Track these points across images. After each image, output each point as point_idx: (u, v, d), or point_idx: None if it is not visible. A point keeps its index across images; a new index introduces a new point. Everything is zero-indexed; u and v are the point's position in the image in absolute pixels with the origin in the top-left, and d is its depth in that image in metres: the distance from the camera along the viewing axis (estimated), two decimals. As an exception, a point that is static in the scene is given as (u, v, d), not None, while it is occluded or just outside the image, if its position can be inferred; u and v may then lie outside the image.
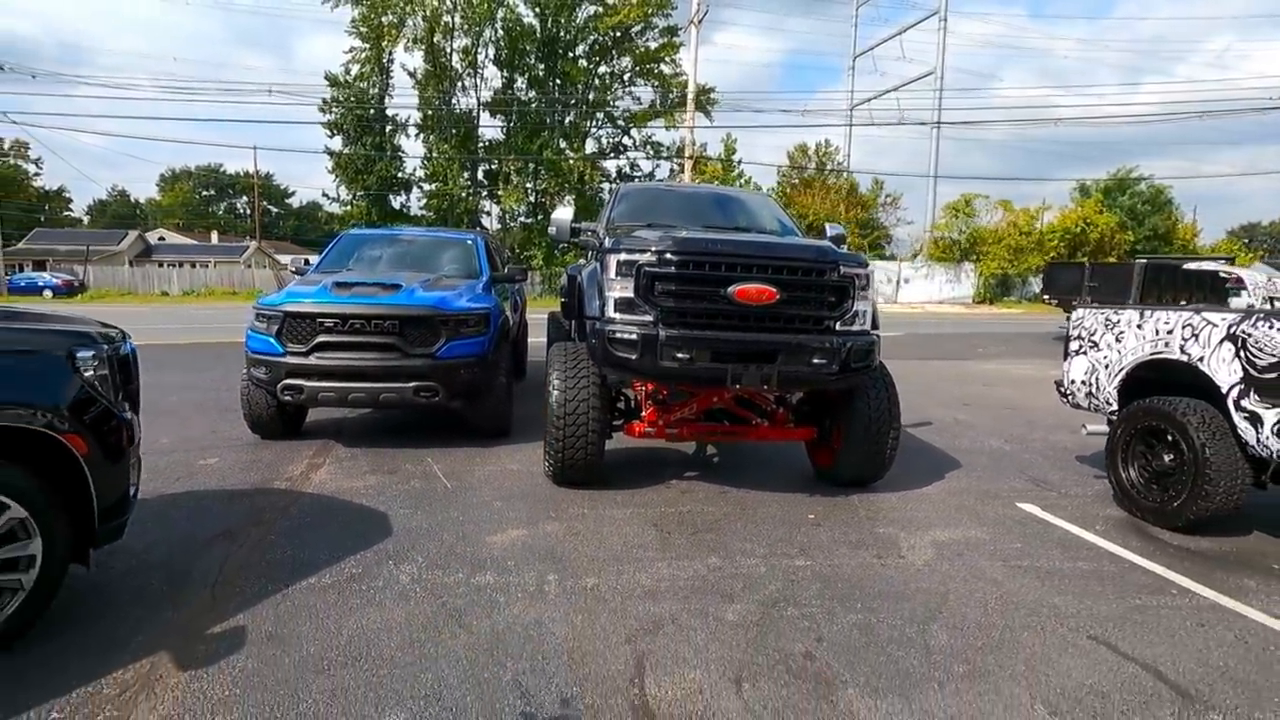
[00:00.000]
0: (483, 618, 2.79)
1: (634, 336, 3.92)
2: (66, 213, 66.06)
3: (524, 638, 2.64)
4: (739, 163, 36.58)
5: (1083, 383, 4.93)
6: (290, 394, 5.05)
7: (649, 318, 3.95)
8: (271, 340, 5.07)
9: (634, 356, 3.92)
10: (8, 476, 2.36)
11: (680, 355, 3.87)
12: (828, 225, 5.69)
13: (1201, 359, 4.00)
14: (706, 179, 32.64)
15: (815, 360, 3.98)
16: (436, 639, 2.62)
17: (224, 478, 4.59)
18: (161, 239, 54.19)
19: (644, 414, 4.72)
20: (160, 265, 41.97)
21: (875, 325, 4.39)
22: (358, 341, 5.08)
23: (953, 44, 48.75)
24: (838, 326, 4.11)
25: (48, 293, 32.93)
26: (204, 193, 75.35)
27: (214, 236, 58.54)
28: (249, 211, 65.61)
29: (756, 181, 37.35)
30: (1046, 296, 18.59)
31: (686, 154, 30.36)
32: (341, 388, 5.06)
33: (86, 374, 2.62)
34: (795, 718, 2.21)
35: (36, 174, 59.43)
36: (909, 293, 36.65)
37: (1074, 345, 5.05)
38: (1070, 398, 5.08)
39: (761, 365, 3.92)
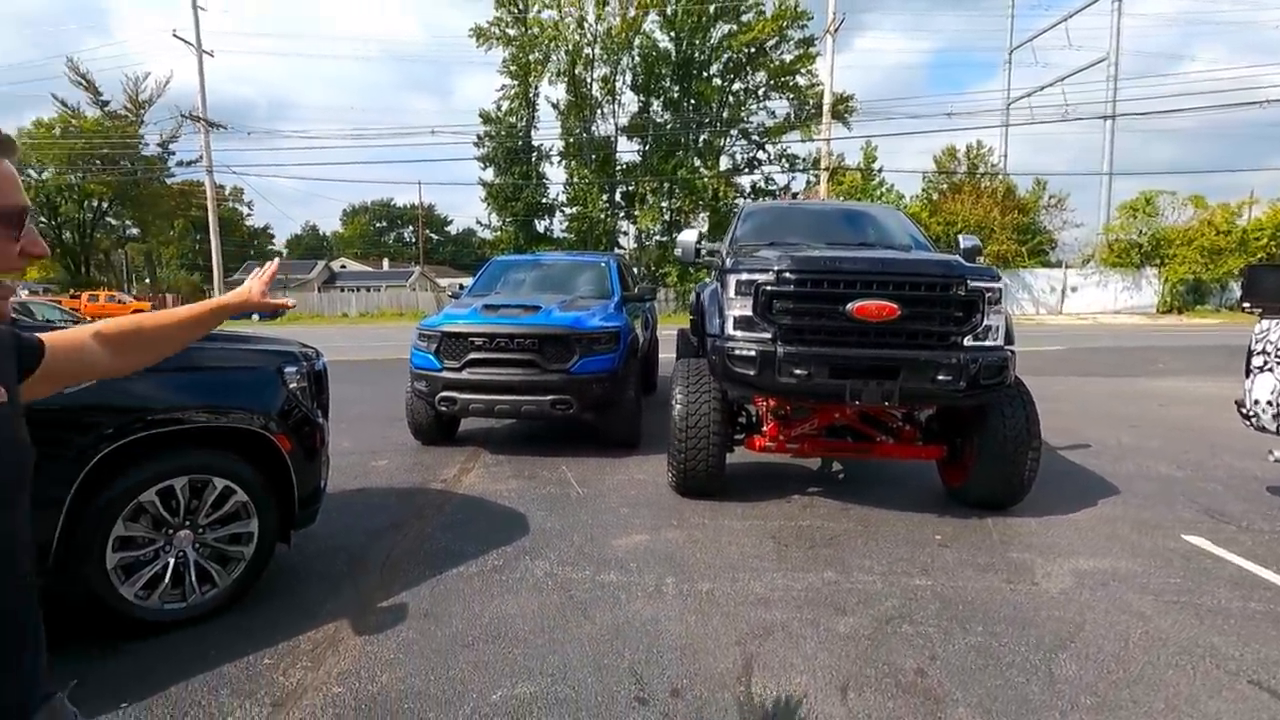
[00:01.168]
0: (605, 611, 3.05)
1: (753, 353, 4.05)
2: (270, 247, 76.57)
3: (641, 632, 2.86)
4: (879, 171, 35.23)
5: (1269, 403, 4.38)
6: (446, 405, 5.69)
7: (767, 335, 4.07)
8: (431, 357, 5.75)
9: (753, 372, 4.05)
10: (237, 468, 2.96)
11: (798, 371, 3.95)
12: (961, 237, 5.49)
13: None
14: (844, 190, 31.75)
15: (940, 377, 3.90)
16: (564, 626, 2.91)
17: (391, 478, 5.25)
18: (343, 267, 61.27)
19: (765, 429, 4.81)
20: (341, 290, 47.48)
21: (1010, 340, 4.21)
22: (503, 358, 5.62)
23: (1129, 25, 43.86)
24: (966, 342, 4.00)
25: (255, 316, 38.29)
26: (377, 224, 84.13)
27: (385, 263, 65.27)
28: (414, 240, 72.46)
29: (899, 190, 35.71)
30: (1247, 304, 16.17)
31: (822, 165, 29.73)
32: (489, 400, 5.62)
33: (291, 386, 3.21)
34: (900, 729, 2.25)
35: (248, 215, 69.49)
36: (1077, 302, 33.24)
37: (1258, 361, 4.51)
38: (1253, 420, 4.53)
39: (882, 381, 3.90)
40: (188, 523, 2.88)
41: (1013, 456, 4.21)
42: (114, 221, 49.00)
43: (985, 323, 4.02)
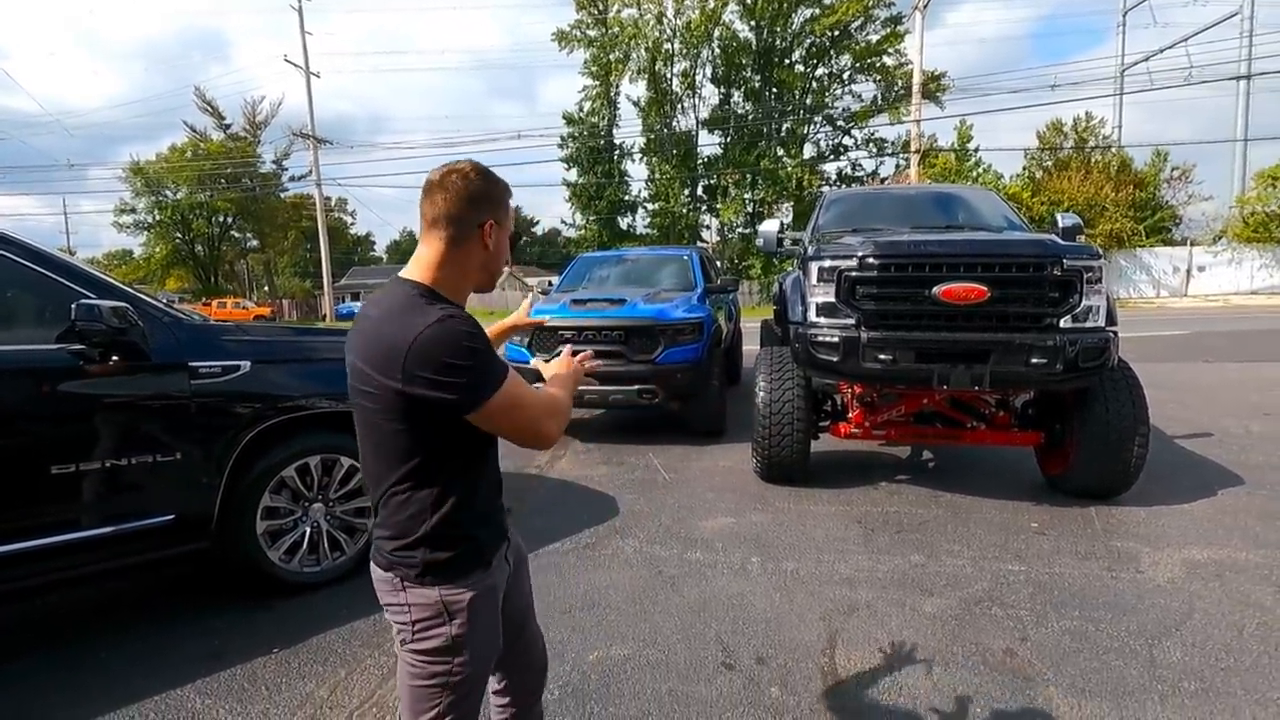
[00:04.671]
0: (692, 586, 3.20)
1: (836, 339, 4.07)
2: (371, 253, 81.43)
3: (727, 605, 2.99)
4: (975, 151, 33.41)
5: None
6: (538, 395, 5.99)
7: (851, 321, 4.08)
8: (524, 350, 6.07)
9: (836, 359, 4.08)
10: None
11: (883, 357, 3.94)
12: (1060, 216, 5.24)
13: None
14: (937, 173, 30.38)
15: (1035, 360, 3.79)
16: (653, 598, 3.08)
17: (490, 463, 5.59)
18: (437, 269, 64.19)
19: (850, 415, 4.81)
20: (437, 292, 49.75)
21: (1112, 321, 4.03)
22: (591, 350, 5.85)
23: (1267, -26, 39.29)
24: (1063, 323, 3.87)
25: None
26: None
27: (476, 265, 67.79)
28: (503, 241, 75.13)
29: (997, 170, 33.73)
30: None
31: (912, 148, 28.56)
32: (578, 390, 5.87)
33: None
34: (985, 704, 2.27)
35: (352, 224, 74.14)
36: (1205, 283, 30.36)
37: None
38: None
39: (971, 365, 3.84)
40: (320, 497, 3.25)
41: (1118, 443, 4.03)
42: (237, 235, 53.48)
43: (1084, 303, 3.87)
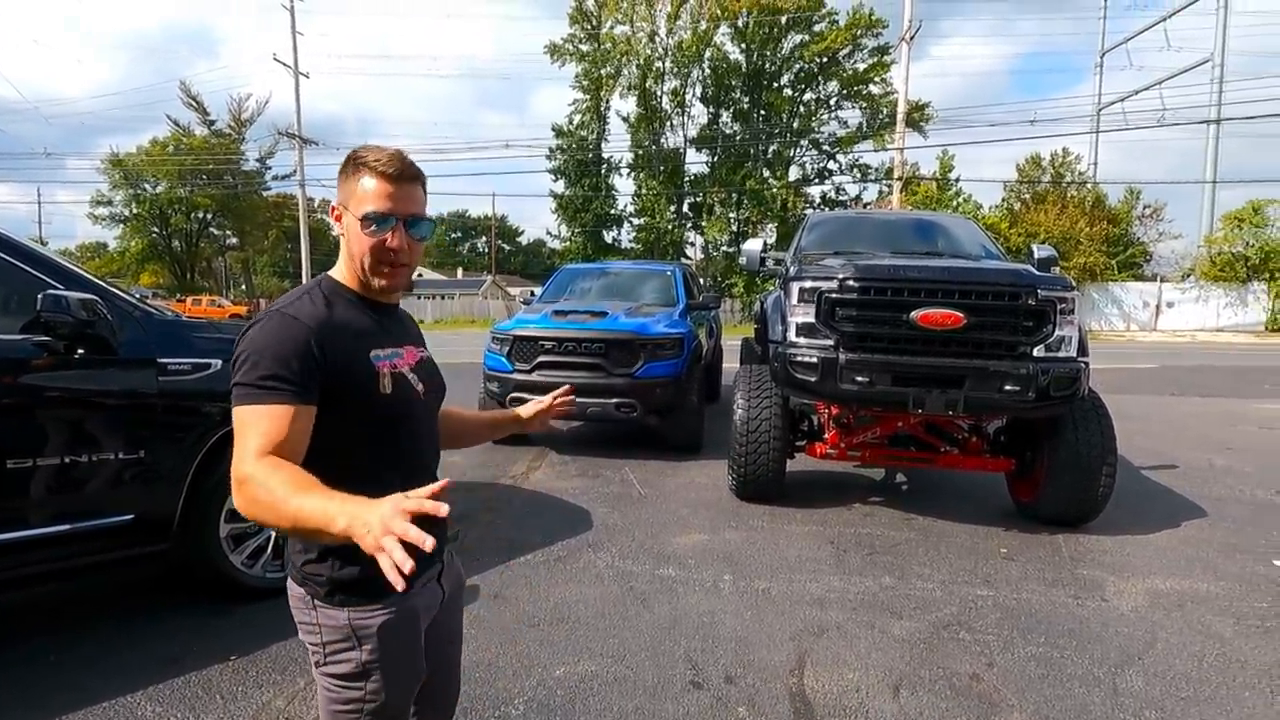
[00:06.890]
0: (663, 602, 3.17)
1: (814, 360, 4.10)
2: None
3: (697, 623, 2.97)
4: (956, 181, 34.05)
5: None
6: (516, 405, 5.95)
7: (829, 342, 4.11)
8: (503, 359, 6.04)
9: (814, 379, 4.11)
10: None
11: (860, 379, 3.98)
12: (1035, 246, 5.36)
13: None
14: (918, 200, 30.91)
15: (1008, 387, 3.85)
16: (623, 614, 3.05)
17: (464, 473, 5.53)
18: (420, 275, 63.75)
19: (826, 436, 4.83)
20: (418, 298, 49.44)
21: (1084, 352, 4.11)
22: (570, 361, 5.84)
23: (1238, 24, 40.72)
24: (1036, 352, 3.94)
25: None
26: (452, 235, 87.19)
27: (459, 272, 67.63)
28: (487, 250, 74.82)
29: (976, 200, 34.40)
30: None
31: (895, 175, 29.05)
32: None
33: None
34: (951, 729, 2.27)
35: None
36: (1174, 319, 31.14)
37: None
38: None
39: (946, 390, 3.89)
40: (287, 501, 3.17)
41: (1086, 471, 4.09)
42: (216, 232, 52.66)
43: (1057, 333, 3.94)
